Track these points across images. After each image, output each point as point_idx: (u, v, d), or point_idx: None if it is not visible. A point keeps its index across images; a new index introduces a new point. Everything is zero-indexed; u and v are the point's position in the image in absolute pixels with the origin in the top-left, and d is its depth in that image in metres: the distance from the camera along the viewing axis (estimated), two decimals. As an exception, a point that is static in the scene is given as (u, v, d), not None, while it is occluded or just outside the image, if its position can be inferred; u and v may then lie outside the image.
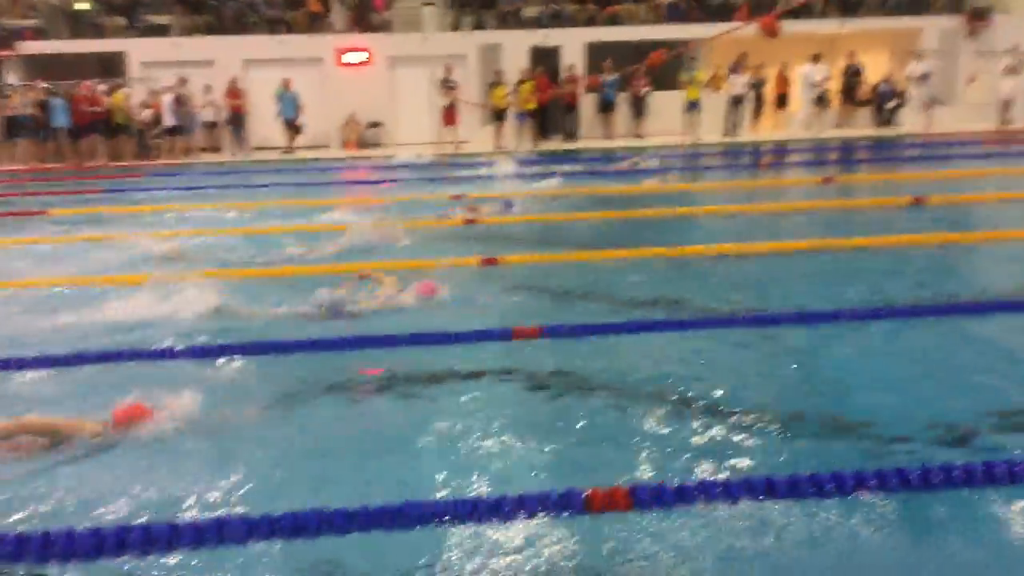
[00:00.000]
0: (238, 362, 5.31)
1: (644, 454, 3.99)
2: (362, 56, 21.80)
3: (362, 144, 21.69)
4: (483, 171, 15.86)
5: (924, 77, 21.14)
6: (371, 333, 5.75)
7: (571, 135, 21.66)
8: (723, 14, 22.48)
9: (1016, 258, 8.25)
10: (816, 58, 21.58)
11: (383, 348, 5.56)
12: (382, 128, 22.04)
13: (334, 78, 21.81)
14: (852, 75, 22.16)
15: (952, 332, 5.84)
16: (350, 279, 6.94)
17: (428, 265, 7.90)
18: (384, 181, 15.93)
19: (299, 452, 4.21)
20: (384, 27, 22.43)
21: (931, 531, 3.39)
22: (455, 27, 22.34)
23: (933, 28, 22.39)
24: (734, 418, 4.38)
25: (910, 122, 21.19)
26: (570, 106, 21.58)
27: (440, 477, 3.84)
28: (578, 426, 4.30)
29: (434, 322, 6.12)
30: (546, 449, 4.07)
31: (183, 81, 20.45)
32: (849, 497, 3.48)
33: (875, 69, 22.58)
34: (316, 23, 22.35)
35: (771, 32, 6.81)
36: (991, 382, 4.93)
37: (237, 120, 20.74)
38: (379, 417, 4.65)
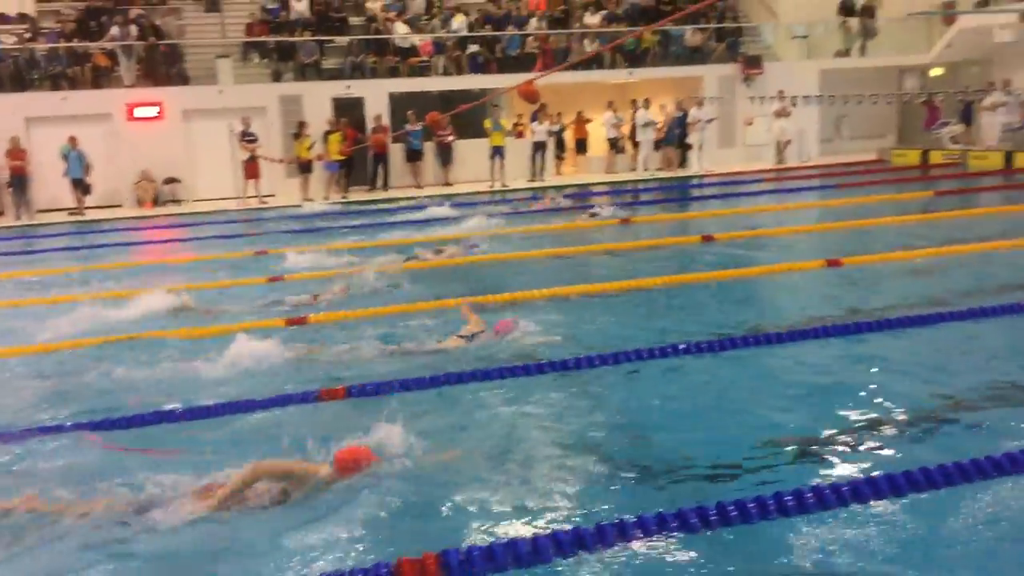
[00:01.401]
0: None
1: (454, 517, 3.95)
2: (154, 111, 20.90)
3: (158, 202, 20.71)
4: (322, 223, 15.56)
5: (709, 122, 22.68)
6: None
7: (380, 184, 21.65)
8: (521, 65, 23.25)
9: (796, 289, 8.90)
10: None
11: (178, 423, 5.27)
12: (180, 184, 21.14)
13: (125, 134, 20.74)
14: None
15: (737, 365, 6.18)
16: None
17: (227, 330, 7.57)
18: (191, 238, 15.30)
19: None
20: (177, 80, 21.64)
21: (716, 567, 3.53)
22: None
23: (712, 76, 24.06)
24: (537, 470, 4.41)
25: (700, 163, 22.58)
26: (380, 156, 21.61)
27: (238, 559, 3.65)
28: (386, 491, 4.20)
29: (240, 387, 5.88)
30: (351, 519, 3.94)
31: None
32: (641, 541, 3.58)
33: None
34: (103, 78, 21.25)
35: (530, 97, 7.03)
36: (772, 413, 5.25)
37: (20, 182, 19.30)
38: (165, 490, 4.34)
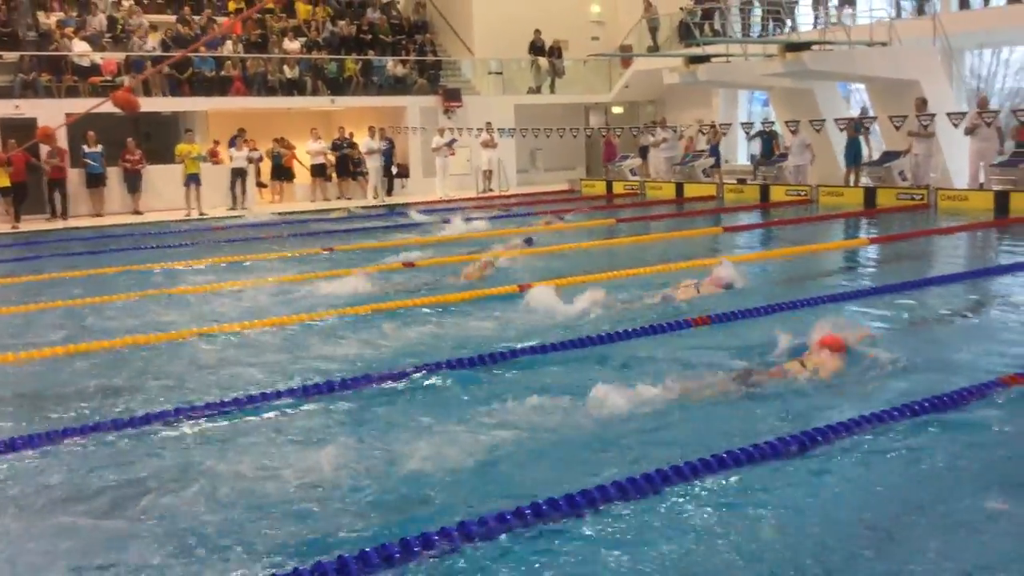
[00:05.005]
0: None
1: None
2: None
3: None
4: None
5: (449, 144, 23.05)
6: None
7: (59, 213, 19.77)
8: (217, 88, 22.39)
9: (491, 314, 9.13)
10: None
11: None
12: None
13: None
14: (346, 148, 23.35)
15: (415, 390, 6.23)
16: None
17: None
18: None
19: None
20: None
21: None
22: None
23: (415, 107, 24.53)
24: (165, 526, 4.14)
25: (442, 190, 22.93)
26: (56, 181, 19.76)
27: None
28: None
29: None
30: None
31: None
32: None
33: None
34: None
35: (127, 106, 6.59)
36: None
37: None
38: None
